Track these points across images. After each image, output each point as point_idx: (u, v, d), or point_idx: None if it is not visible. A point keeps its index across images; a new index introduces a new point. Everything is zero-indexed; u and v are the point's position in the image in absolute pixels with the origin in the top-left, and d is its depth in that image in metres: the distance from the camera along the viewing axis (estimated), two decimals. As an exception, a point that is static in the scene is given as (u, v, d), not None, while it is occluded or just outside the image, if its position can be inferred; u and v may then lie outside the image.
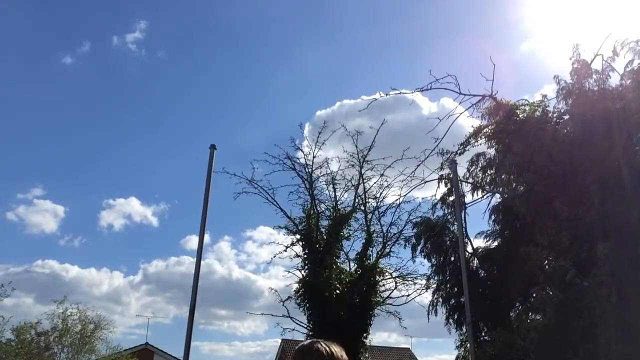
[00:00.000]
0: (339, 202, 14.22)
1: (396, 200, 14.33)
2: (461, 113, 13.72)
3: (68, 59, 58.13)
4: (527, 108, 12.95)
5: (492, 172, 15.07)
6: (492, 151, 14.45)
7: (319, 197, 14.24)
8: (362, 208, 14.18)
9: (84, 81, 58.83)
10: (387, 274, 13.99)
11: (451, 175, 14.15)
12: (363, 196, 14.14)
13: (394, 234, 14.36)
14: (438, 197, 15.96)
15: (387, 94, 13.49)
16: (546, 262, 11.91)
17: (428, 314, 16.34)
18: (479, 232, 16.41)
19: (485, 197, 15.70)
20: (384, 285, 13.88)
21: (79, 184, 61.62)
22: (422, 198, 16.26)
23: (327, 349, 2.17)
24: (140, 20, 60.46)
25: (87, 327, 20.27)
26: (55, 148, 58.36)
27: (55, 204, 58.36)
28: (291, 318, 13.21)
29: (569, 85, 12.08)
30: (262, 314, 18.05)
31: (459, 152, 14.41)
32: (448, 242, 16.25)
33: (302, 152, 14.17)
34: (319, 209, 14.00)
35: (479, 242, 16.44)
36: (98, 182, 61.06)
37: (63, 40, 58.22)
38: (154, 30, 61.62)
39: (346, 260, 14.18)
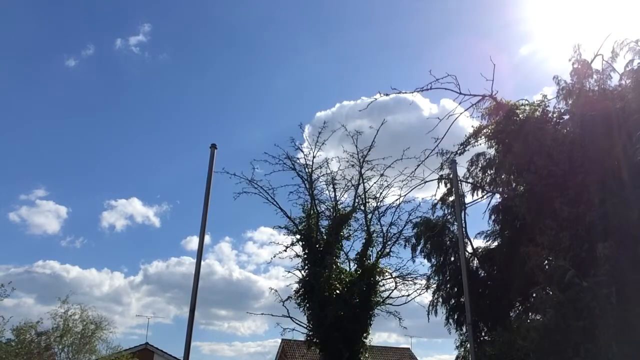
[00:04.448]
0: (339, 202, 14.20)
1: (396, 200, 14.32)
2: (461, 113, 13.74)
3: (72, 62, 58.29)
4: (527, 108, 12.94)
5: (492, 172, 15.07)
6: (492, 151, 14.47)
7: (319, 197, 14.23)
8: (362, 208, 14.16)
9: (86, 83, 59.01)
10: (387, 274, 13.97)
11: (451, 176, 14.15)
12: (363, 196, 14.12)
13: (394, 234, 14.34)
14: (438, 197, 15.99)
15: (387, 95, 13.48)
16: (546, 262, 11.90)
17: (428, 314, 16.37)
18: (479, 232, 16.44)
19: (485, 197, 15.72)
20: (384, 285, 13.87)
21: (81, 184, 61.79)
22: (422, 198, 16.26)
23: None
24: (144, 23, 60.61)
25: (88, 327, 20.27)
26: (58, 149, 58.54)
27: (58, 205, 58.55)
28: (291, 318, 13.20)
29: (569, 86, 12.09)
30: (262, 314, 18.02)
31: (459, 152, 14.43)
32: (448, 242, 16.26)
33: (302, 152, 14.15)
34: (319, 209, 13.98)
35: (479, 242, 16.47)
36: (100, 182, 61.25)
37: (67, 43, 58.40)
38: (157, 33, 61.77)
39: (346, 260, 14.17)
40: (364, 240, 13.98)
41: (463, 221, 15.97)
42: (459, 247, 12.18)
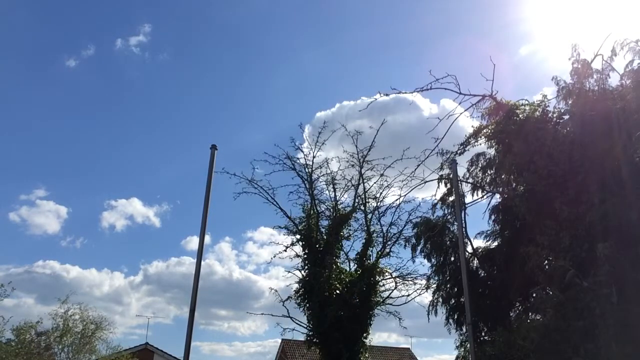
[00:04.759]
0: (339, 202, 14.21)
1: (396, 200, 14.32)
2: (461, 113, 13.72)
3: (72, 62, 58.32)
4: (527, 108, 12.93)
5: (492, 172, 15.07)
6: (492, 151, 14.46)
7: (319, 197, 14.23)
8: (362, 208, 14.15)
9: (87, 84, 59.06)
10: (387, 274, 13.97)
11: (451, 176, 14.14)
12: (363, 196, 14.12)
13: (394, 234, 14.34)
14: (438, 197, 15.97)
15: (387, 95, 13.47)
16: (546, 262, 11.90)
17: (428, 314, 16.36)
18: (479, 232, 16.44)
19: (485, 197, 15.71)
20: (384, 285, 13.86)
21: (81, 184, 61.81)
22: (422, 198, 16.25)
23: None
24: (144, 23, 60.68)
25: (88, 327, 20.27)
26: (58, 149, 58.56)
27: (58, 205, 58.58)
28: (291, 318, 13.21)
29: (569, 86, 12.08)
30: (262, 314, 18.02)
31: (459, 152, 14.42)
32: (448, 242, 16.26)
33: (302, 152, 14.16)
34: (319, 209, 13.98)
35: (479, 242, 16.46)
36: (100, 182, 61.29)
37: (67, 44, 58.46)
38: (158, 33, 61.81)
39: (346, 260, 14.17)
40: (364, 240, 13.98)
41: (463, 221, 15.99)
42: (459, 247, 12.18)
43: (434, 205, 16.15)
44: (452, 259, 16.13)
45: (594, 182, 10.57)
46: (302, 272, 13.39)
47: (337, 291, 12.94)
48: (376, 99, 14.00)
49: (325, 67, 68.05)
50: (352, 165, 14.04)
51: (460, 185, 15.43)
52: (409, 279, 14.20)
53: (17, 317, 22.08)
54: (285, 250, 13.69)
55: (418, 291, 14.29)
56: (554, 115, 12.52)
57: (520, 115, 12.83)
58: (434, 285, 16.00)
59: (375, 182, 14.18)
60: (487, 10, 60.74)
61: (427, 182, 14.51)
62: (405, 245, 15.65)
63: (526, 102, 13.14)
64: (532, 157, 11.74)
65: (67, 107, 58.96)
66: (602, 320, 9.53)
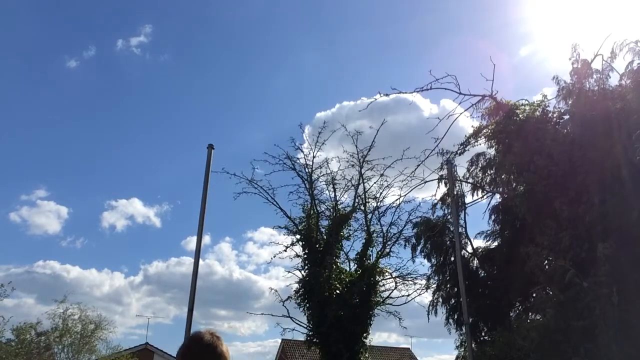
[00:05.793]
0: (339, 202, 14.24)
1: (396, 200, 14.34)
2: (461, 113, 13.70)
3: (73, 63, 58.26)
4: (527, 108, 12.92)
5: (492, 172, 15.06)
6: (492, 151, 14.44)
7: (319, 197, 14.27)
8: (362, 208, 14.18)
9: (87, 84, 59.00)
10: (387, 274, 14.00)
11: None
12: (363, 196, 14.14)
13: (394, 234, 14.38)
14: (438, 197, 15.96)
15: (387, 95, 13.46)
16: (546, 262, 11.90)
17: (428, 314, 16.36)
18: (479, 232, 16.45)
19: (485, 197, 15.70)
20: (384, 285, 13.90)
21: (82, 185, 61.72)
22: (422, 198, 16.28)
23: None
24: (145, 24, 60.67)
25: (88, 327, 20.28)
26: (59, 149, 58.45)
27: (59, 205, 58.51)
28: (291, 318, 13.23)
29: (569, 86, 12.07)
30: (262, 314, 18.11)
31: (458, 152, 14.39)
32: (448, 242, 16.26)
33: (302, 152, 14.19)
34: (319, 209, 14.01)
35: (479, 242, 16.47)
36: (101, 183, 61.22)
37: (68, 45, 58.41)
38: (158, 34, 61.80)
39: (346, 260, 14.20)
40: (364, 240, 14.00)
41: (463, 221, 16.01)
42: (455, 246, 12.18)
43: (434, 205, 16.16)
44: (452, 259, 16.13)
45: (594, 182, 10.57)
46: (302, 272, 13.42)
47: (337, 291, 12.95)
48: (376, 99, 14.00)
49: (325, 67, 68.01)
50: (352, 165, 14.08)
51: (460, 185, 15.45)
52: (409, 279, 14.25)
53: (17, 317, 22.19)
54: (285, 250, 13.72)
55: (418, 291, 14.35)
56: (554, 115, 12.52)
57: (520, 115, 12.82)
58: (434, 285, 16.02)
59: (375, 182, 14.22)
60: (487, 10, 60.69)
61: (427, 182, 14.51)
62: (405, 245, 15.69)
63: (526, 102, 13.14)
64: (532, 157, 11.73)
65: (68, 107, 58.87)
66: (602, 320, 9.52)
